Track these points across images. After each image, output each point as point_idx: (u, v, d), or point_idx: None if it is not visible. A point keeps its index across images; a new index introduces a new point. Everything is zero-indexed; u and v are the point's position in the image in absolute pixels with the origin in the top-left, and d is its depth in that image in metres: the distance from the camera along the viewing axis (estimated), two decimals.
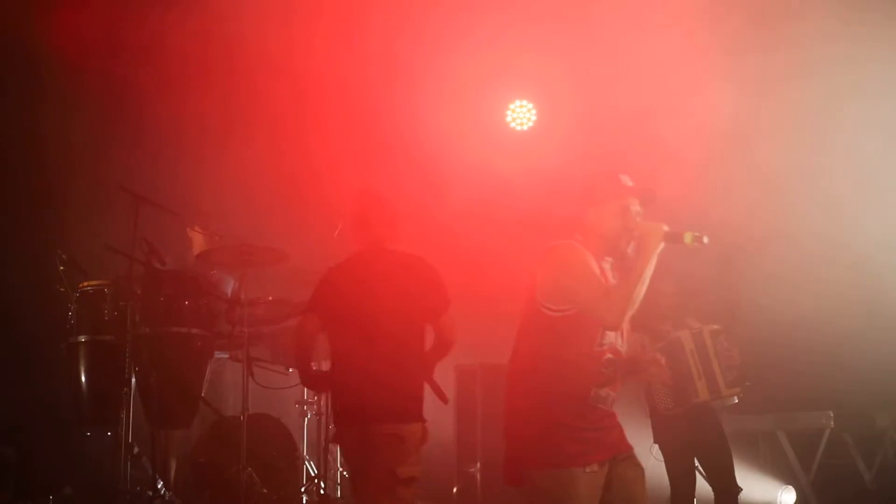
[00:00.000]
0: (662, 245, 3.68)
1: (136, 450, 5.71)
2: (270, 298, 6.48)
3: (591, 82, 7.58)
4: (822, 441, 7.24)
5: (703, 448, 5.62)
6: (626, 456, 3.82)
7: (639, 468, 3.85)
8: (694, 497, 5.68)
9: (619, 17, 7.21)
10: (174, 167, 7.23)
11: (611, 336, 3.77)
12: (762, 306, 7.11)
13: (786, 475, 7.22)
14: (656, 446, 5.79)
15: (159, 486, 5.70)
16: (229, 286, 6.62)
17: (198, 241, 6.86)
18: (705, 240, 3.66)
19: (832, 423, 7.18)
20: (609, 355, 3.78)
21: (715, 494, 5.62)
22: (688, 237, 3.67)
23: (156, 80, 7.18)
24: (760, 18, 7.03)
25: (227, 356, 6.42)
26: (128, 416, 5.60)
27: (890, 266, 7.07)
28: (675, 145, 7.04)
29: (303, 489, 6.26)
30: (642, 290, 3.65)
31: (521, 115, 8.34)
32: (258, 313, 6.32)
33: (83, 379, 5.81)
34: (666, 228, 3.69)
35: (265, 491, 5.73)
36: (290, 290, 6.78)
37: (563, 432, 3.69)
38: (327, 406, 6.37)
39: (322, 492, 6.11)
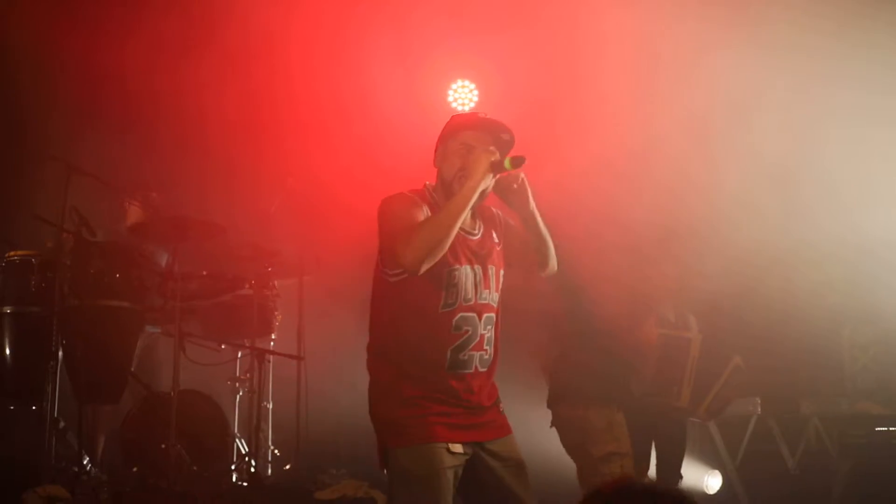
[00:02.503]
0: (490, 177, 3.39)
1: (61, 425, 5.59)
2: (204, 273, 6.39)
3: (536, 63, 7.56)
4: (748, 427, 7.37)
5: (661, 435, 5.65)
6: (501, 443, 3.52)
7: (515, 462, 3.52)
8: (648, 467, 5.72)
9: None
10: (109, 137, 7.05)
11: (463, 292, 3.44)
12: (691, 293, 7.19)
13: (712, 460, 7.34)
14: None
15: (85, 463, 5.58)
16: (162, 260, 6.50)
17: (132, 212, 6.72)
18: (524, 160, 3.39)
19: (759, 409, 7.31)
20: (461, 314, 3.45)
21: (657, 479, 5.68)
22: (507, 163, 3.40)
23: (95, 48, 6.99)
24: None
25: (158, 331, 6.31)
26: (54, 390, 5.47)
27: (811, 249, 7.18)
28: (620, 127, 7.06)
29: (233, 467, 6.20)
30: (451, 228, 3.30)
31: (462, 95, 8.30)
32: (191, 288, 6.23)
33: (7, 351, 5.65)
34: (494, 157, 3.40)
35: (195, 468, 5.66)
36: (225, 265, 6.71)
37: (421, 406, 3.40)
38: (259, 384, 6.32)
39: (252, 470, 6.06)
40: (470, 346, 3.48)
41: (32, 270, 5.68)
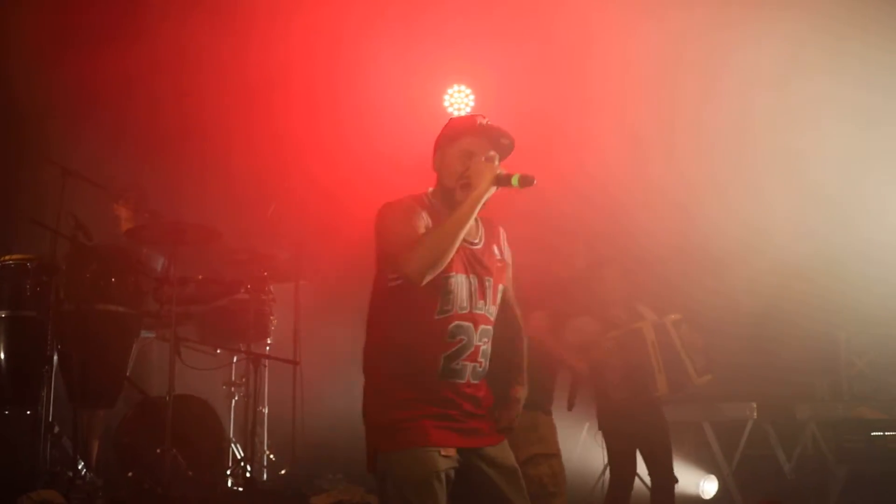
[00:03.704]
0: (493, 189, 3.36)
1: (56, 429, 5.57)
2: (200, 277, 6.38)
3: (531, 68, 7.57)
4: (745, 432, 7.37)
5: (646, 440, 5.64)
6: (495, 449, 3.50)
7: (510, 468, 3.50)
8: (633, 482, 5.72)
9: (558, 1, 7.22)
10: (106, 141, 7.05)
11: (459, 300, 3.42)
12: (686, 298, 7.20)
13: (709, 465, 7.34)
14: (600, 433, 5.81)
15: (80, 467, 5.57)
16: (159, 264, 6.49)
17: (127, 216, 6.72)
18: (534, 181, 3.35)
19: (755, 414, 7.31)
20: (457, 322, 3.41)
21: (652, 485, 5.67)
22: (514, 179, 3.36)
23: (93, 52, 6.99)
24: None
25: (154, 335, 6.30)
26: (49, 395, 5.46)
27: (808, 256, 7.19)
28: (612, 130, 7.07)
29: (228, 472, 6.18)
30: (454, 240, 3.30)
31: (458, 100, 8.30)
32: (187, 292, 6.23)
33: (2, 355, 5.63)
34: (500, 171, 3.38)
35: (190, 473, 5.64)
36: (221, 270, 6.70)
37: (415, 408, 3.37)
38: (255, 388, 6.31)
39: (248, 475, 6.05)
40: (464, 356, 3.44)
41: (28, 274, 5.67)
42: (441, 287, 3.39)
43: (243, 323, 6.47)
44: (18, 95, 7.06)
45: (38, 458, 5.37)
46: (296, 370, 6.52)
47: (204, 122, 7.36)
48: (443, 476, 3.34)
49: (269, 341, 6.81)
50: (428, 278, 3.30)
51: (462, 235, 3.34)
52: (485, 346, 3.51)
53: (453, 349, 3.42)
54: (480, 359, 3.49)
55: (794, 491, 7.16)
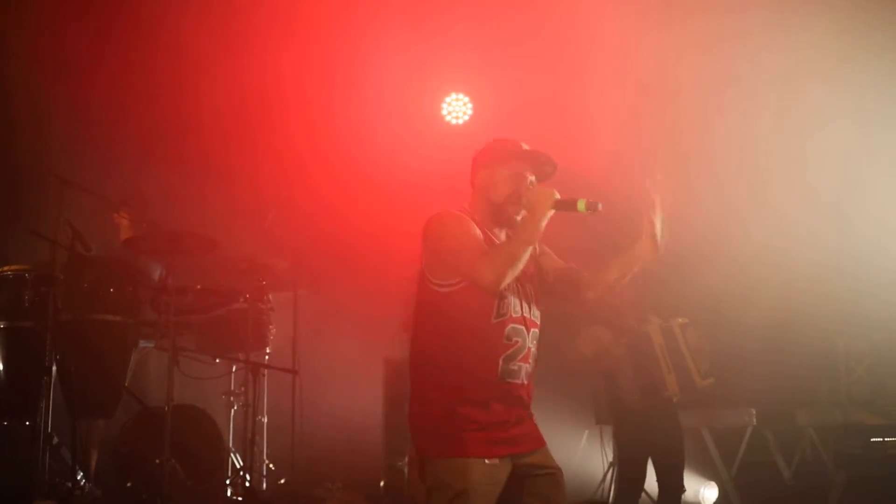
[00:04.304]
0: (553, 211, 3.55)
1: (55, 440, 5.56)
2: (198, 287, 6.38)
3: (530, 76, 7.58)
4: (744, 438, 7.37)
5: (659, 446, 5.64)
6: (538, 454, 3.63)
7: (552, 469, 3.64)
8: (641, 492, 5.72)
9: (556, 8, 7.22)
10: (105, 152, 7.06)
11: (513, 305, 3.60)
12: (686, 304, 7.21)
13: (709, 471, 7.33)
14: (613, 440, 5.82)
15: (79, 478, 5.56)
16: (157, 273, 6.50)
17: (125, 226, 6.72)
18: (599, 207, 3.54)
19: (754, 420, 7.32)
20: (512, 325, 3.59)
21: (659, 489, 5.68)
22: (581, 204, 3.54)
23: (90, 60, 7.00)
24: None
25: (152, 345, 6.30)
26: (47, 406, 5.45)
27: (811, 264, 7.20)
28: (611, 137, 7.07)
29: (228, 481, 6.17)
30: (525, 253, 3.50)
31: (456, 108, 8.31)
32: (186, 302, 6.22)
33: (0, 366, 5.63)
34: (557, 195, 3.56)
35: (189, 483, 5.63)
36: (219, 279, 6.70)
37: (464, 418, 3.49)
38: (254, 398, 6.31)
39: (247, 484, 6.04)
40: (519, 357, 3.61)
41: (26, 285, 5.67)
42: (496, 293, 3.55)
43: (242, 332, 6.46)
44: (17, 106, 7.07)
45: (37, 469, 5.35)
46: (295, 379, 6.51)
47: (202, 132, 7.37)
48: (487, 488, 3.47)
49: (267, 351, 6.81)
50: (503, 285, 3.49)
51: (530, 249, 3.55)
52: (534, 349, 3.68)
53: (510, 351, 3.60)
54: (531, 360, 3.67)
55: (793, 497, 7.16)
